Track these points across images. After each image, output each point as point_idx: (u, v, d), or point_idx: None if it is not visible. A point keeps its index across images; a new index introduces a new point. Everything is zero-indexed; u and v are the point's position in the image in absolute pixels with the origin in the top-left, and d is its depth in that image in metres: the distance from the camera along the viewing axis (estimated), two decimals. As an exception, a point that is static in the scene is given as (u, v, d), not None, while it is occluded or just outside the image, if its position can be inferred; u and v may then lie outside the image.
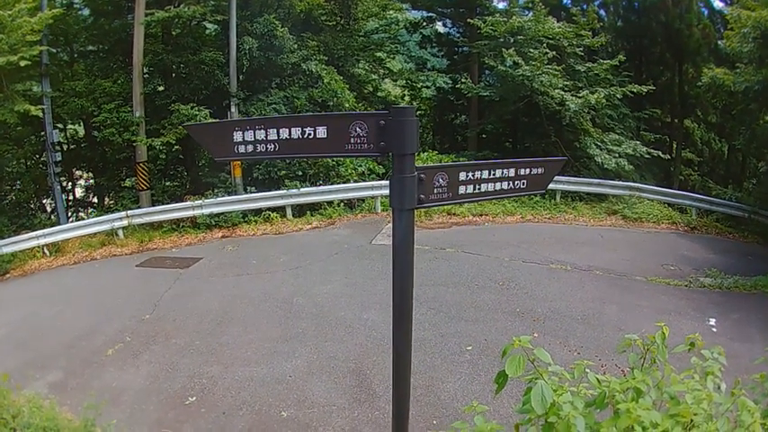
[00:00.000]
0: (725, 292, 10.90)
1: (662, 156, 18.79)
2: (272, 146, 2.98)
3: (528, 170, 3.32)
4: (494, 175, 3.18)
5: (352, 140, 2.84)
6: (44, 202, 21.06)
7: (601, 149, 17.89)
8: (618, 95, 18.82)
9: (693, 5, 22.75)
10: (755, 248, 14.96)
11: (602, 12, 24.40)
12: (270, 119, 3.76)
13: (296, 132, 2.94)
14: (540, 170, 3.40)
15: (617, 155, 17.76)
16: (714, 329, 9.03)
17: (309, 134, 2.92)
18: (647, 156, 18.39)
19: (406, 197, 2.78)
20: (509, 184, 3.26)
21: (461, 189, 3.05)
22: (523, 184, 3.31)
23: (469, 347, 8.25)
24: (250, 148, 3.01)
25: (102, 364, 8.59)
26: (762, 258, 13.69)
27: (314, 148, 2.97)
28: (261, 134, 2.98)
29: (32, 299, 12.39)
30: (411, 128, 2.73)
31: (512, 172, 3.25)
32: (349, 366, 7.91)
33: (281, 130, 2.96)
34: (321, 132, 2.90)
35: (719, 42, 21.77)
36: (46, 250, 15.67)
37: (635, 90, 18.62)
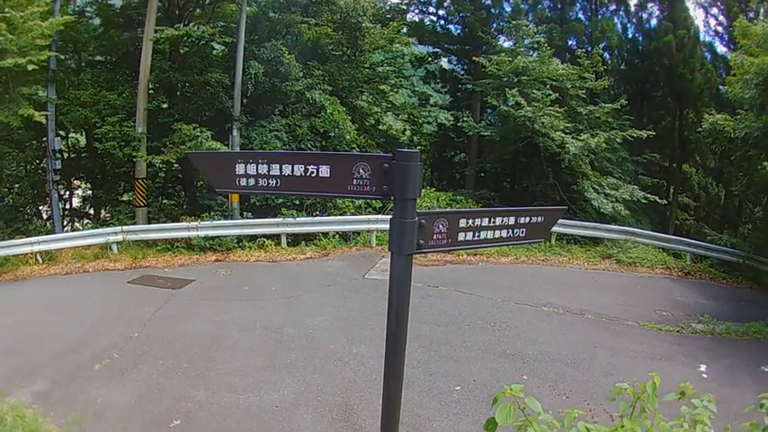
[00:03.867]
0: (716, 337, 10.91)
1: (658, 201, 18.92)
2: (274, 181, 2.97)
3: (528, 218, 3.34)
4: (494, 222, 3.19)
5: (354, 182, 2.84)
6: (41, 208, 20.83)
7: (598, 193, 18.00)
8: (618, 139, 18.97)
9: (697, 50, 23.10)
10: (748, 294, 15.02)
11: (606, 54, 24.68)
12: (273, 154, 3.75)
13: (299, 169, 2.93)
14: (539, 219, 3.43)
15: (614, 199, 17.87)
16: (704, 375, 9.02)
17: (312, 172, 2.91)
18: (643, 201, 18.48)
19: (405, 242, 2.77)
20: (508, 231, 3.27)
21: (461, 236, 3.06)
22: (523, 232, 3.33)
23: (458, 387, 8.16)
24: (252, 181, 2.99)
25: (88, 378, 8.45)
26: (754, 304, 13.73)
27: (316, 187, 2.96)
28: (263, 168, 2.96)
29: (23, 305, 12.23)
30: (415, 172, 2.73)
31: (512, 220, 3.26)
32: (336, 400, 7.80)
33: (283, 166, 2.95)
34: (324, 171, 2.90)
35: (721, 87, 22.06)
36: (39, 257, 15.54)
37: (635, 134, 18.82)
